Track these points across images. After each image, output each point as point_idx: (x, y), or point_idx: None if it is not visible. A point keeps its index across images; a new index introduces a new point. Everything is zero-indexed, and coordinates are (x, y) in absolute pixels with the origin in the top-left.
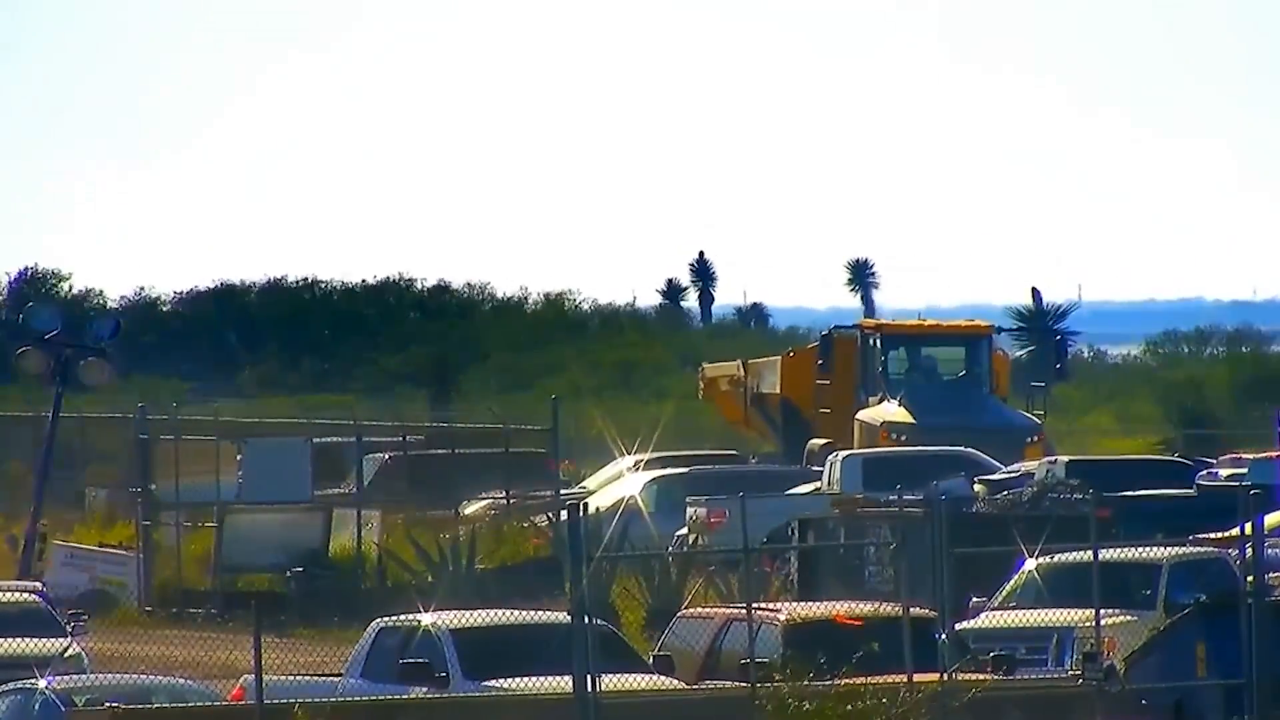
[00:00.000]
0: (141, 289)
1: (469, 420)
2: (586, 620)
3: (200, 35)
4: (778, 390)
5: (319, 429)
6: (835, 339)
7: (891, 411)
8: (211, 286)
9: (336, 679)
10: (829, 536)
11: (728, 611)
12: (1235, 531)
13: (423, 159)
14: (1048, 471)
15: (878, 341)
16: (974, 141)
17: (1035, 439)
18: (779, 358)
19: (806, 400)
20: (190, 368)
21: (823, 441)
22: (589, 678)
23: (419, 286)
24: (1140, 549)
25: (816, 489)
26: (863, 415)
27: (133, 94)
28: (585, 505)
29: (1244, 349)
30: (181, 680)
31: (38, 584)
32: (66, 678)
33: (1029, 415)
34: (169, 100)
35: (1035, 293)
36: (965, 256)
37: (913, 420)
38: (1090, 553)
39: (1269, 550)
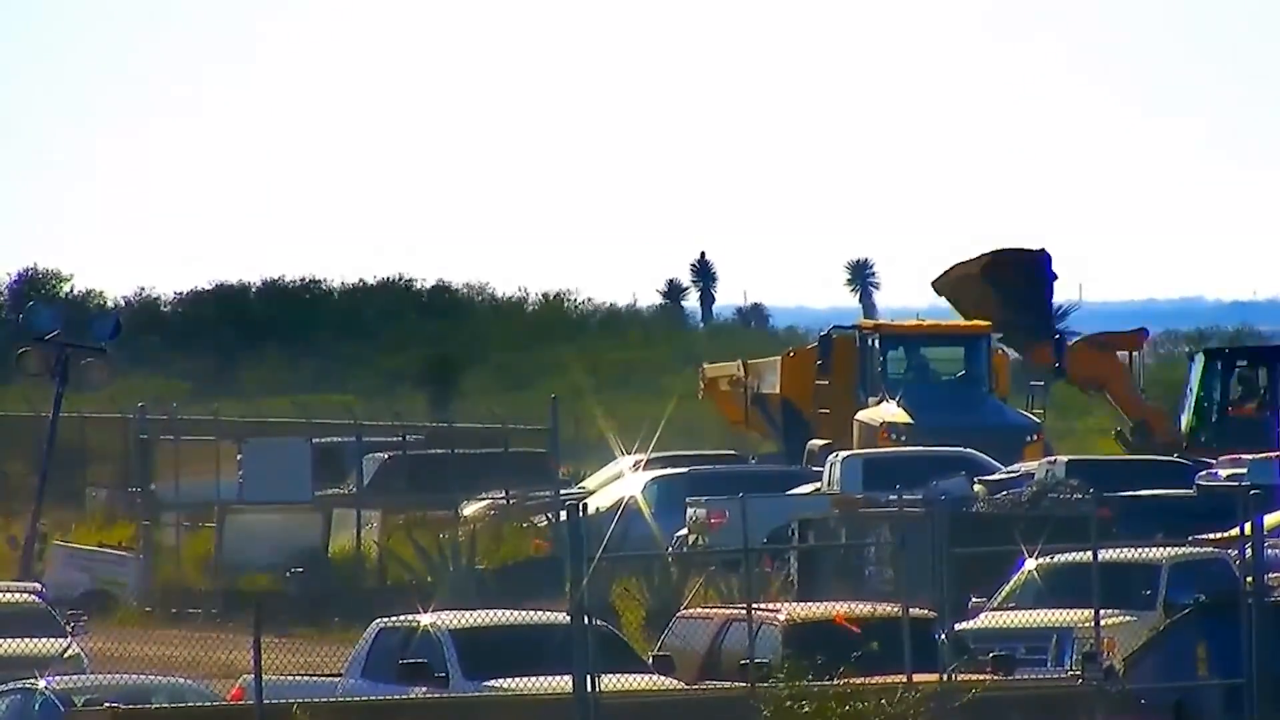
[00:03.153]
0: (141, 289)
1: (469, 420)
2: (586, 620)
3: (201, 35)
4: (778, 390)
5: (319, 429)
6: (835, 339)
7: (890, 412)
8: (211, 286)
9: (336, 679)
10: (829, 536)
11: (728, 612)
12: (1235, 532)
13: (423, 159)
14: (1047, 471)
15: (876, 342)
16: (973, 141)
17: (1034, 438)
18: (779, 358)
19: (806, 400)
20: (190, 368)
21: (822, 442)
22: (589, 678)
23: (419, 286)
24: (1140, 549)
25: (816, 489)
26: (862, 416)
27: (132, 93)
28: (585, 505)
29: None
30: (181, 680)
31: (37, 584)
32: (66, 678)
33: (1028, 415)
34: (168, 100)
35: None
36: (965, 257)
37: (911, 420)
38: (1090, 553)
39: (1269, 550)
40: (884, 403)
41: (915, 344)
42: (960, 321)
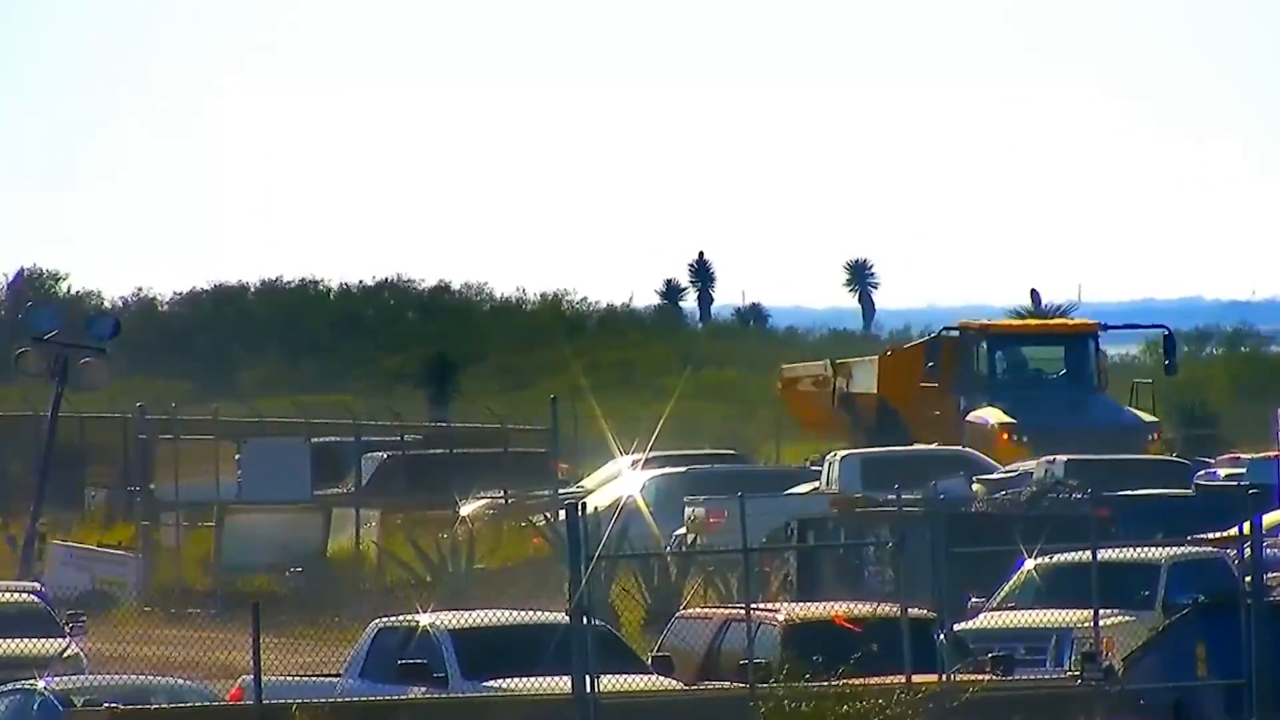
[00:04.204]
0: (140, 289)
1: (468, 420)
2: (585, 620)
3: (199, 35)
4: (873, 390)
5: (319, 429)
6: (943, 341)
7: (1002, 414)
8: (210, 287)
9: (335, 679)
10: (828, 536)
11: (726, 612)
12: (1234, 531)
13: (422, 159)
14: (1047, 471)
15: (981, 342)
16: (973, 141)
17: (1154, 437)
18: (875, 357)
19: (904, 401)
20: (189, 368)
21: (930, 447)
22: (588, 678)
23: (418, 286)
24: (1139, 549)
25: (815, 489)
26: (974, 417)
27: (131, 93)
28: (584, 505)
29: (1243, 349)
30: (181, 680)
31: (37, 584)
32: (65, 678)
33: (1144, 414)
34: (167, 100)
35: (1034, 293)
36: (965, 256)
37: (1025, 422)
38: (1089, 553)
39: (1268, 550)
40: (991, 404)
41: (1021, 344)
42: (1066, 320)
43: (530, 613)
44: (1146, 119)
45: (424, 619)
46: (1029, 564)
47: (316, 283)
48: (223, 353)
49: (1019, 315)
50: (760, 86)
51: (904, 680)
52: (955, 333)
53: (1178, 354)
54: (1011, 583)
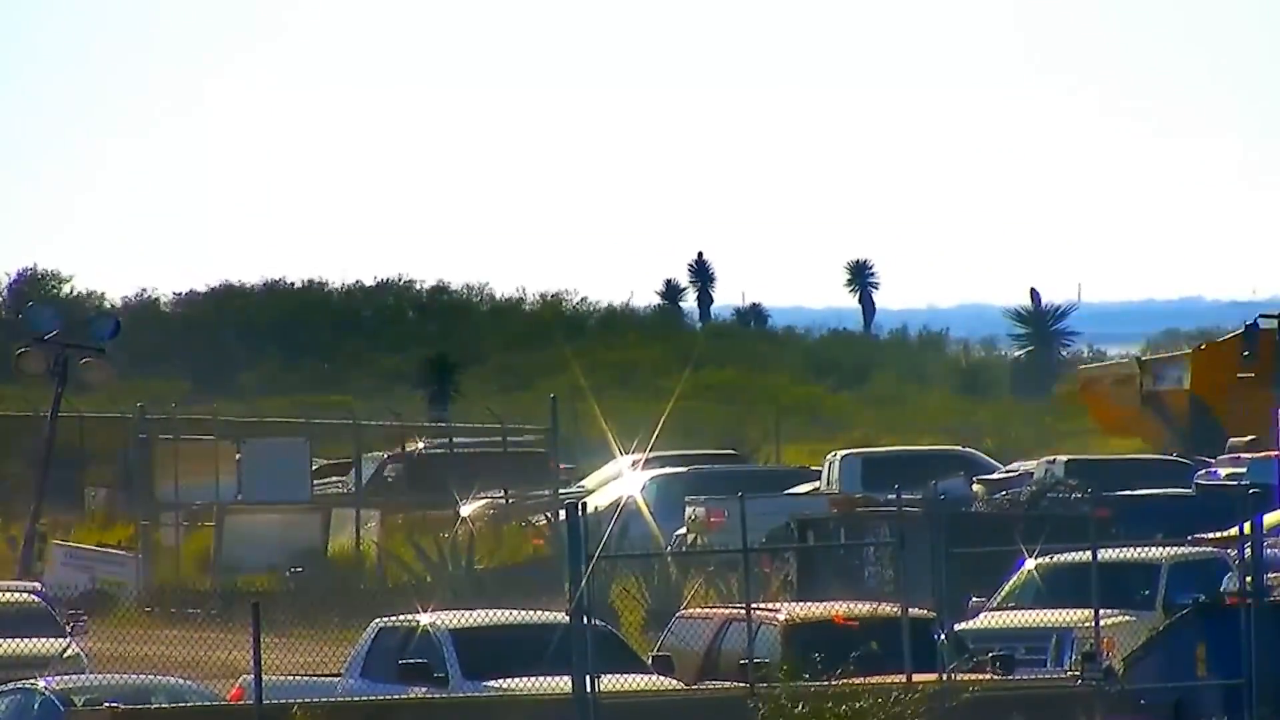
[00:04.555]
0: (141, 289)
1: (468, 420)
2: (586, 620)
3: (201, 35)
4: (1185, 387)
5: (319, 429)
6: (1260, 330)
7: None
8: (211, 287)
9: (336, 679)
10: (828, 536)
11: (727, 612)
12: (1234, 531)
13: (422, 159)
14: (1047, 471)
15: None
16: (973, 141)
17: None
18: (1187, 353)
19: (1218, 396)
20: (190, 368)
21: (1246, 439)
22: (588, 678)
23: (418, 287)
24: (1139, 549)
25: (815, 489)
26: None
27: (132, 93)
28: (584, 505)
29: None
30: (181, 680)
31: (37, 584)
32: (66, 677)
33: None
34: (169, 100)
35: (1034, 293)
36: (965, 256)
37: None
38: (1089, 553)
39: (1268, 550)
40: None
41: None
42: None
43: (530, 613)
44: (1147, 119)
45: (424, 619)
46: (1029, 564)
47: (319, 284)
48: (223, 353)
49: (1019, 315)
50: (760, 86)
51: (904, 680)
52: (1267, 319)
53: None
54: (1012, 583)
